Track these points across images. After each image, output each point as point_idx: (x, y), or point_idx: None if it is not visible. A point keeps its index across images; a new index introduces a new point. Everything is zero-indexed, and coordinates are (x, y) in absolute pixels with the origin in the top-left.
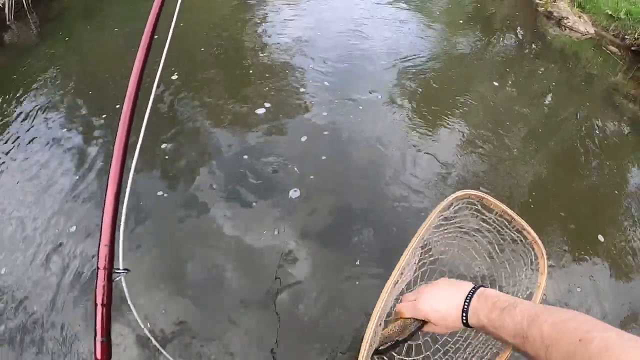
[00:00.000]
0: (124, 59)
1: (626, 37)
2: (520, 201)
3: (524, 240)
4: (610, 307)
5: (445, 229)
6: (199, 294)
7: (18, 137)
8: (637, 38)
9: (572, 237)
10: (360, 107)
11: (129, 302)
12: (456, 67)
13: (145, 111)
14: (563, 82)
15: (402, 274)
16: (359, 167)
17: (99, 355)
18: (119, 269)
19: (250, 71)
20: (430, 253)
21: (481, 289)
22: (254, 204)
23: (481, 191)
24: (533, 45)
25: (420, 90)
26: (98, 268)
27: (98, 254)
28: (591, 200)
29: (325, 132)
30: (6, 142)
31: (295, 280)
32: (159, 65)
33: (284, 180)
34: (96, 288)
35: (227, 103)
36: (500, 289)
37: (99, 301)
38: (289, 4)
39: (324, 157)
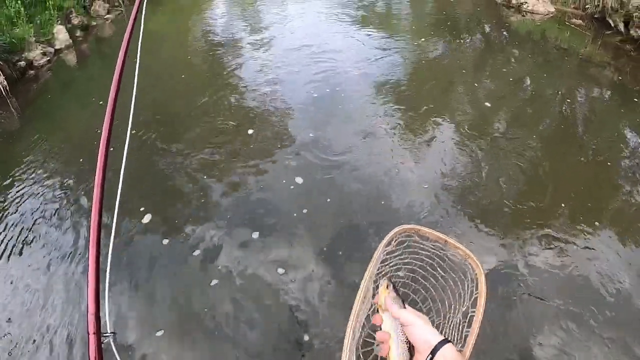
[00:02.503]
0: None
1: (587, 6)
2: (518, 186)
3: (459, 258)
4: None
5: (392, 262)
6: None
7: (7, 223)
8: (597, 5)
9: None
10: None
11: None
12: (431, 70)
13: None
14: (537, 65)
15: (360, 309)
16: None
17: None
18: (106, 333)
19: None
20: (378, 283)
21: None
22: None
23: (416, 224)
24: (500, 36)
25: (399, 97)
26: (88, 334)
27: (87, 322)
28: (589, 172)
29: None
30: None
31: None
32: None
33: None
34: (89, 351)
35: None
36: (448, 304)
37: None
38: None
39: None
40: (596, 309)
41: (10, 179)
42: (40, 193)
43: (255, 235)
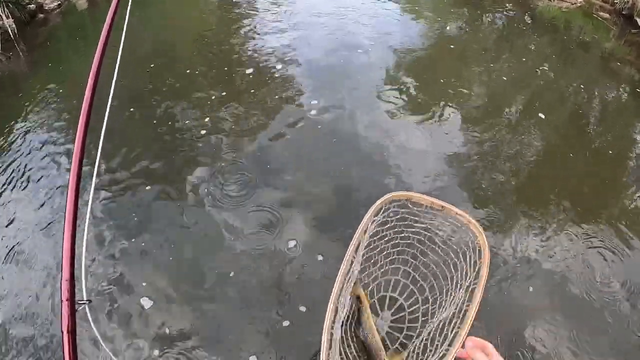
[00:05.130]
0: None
1: (616, 1)
2: (522, 174)
3: (460, 225)
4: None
5: (386, 235)
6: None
7: (12, 167)
8: (627, 1)
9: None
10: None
11: (94, 329)
12: (449, 48)
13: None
14: (557, 53)
15: (344, 282)
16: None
17: None
18: (82, 300)
19: None
20: (374, 259)
21: None
22: None
23: (407, 190)
24: (523, 20)
25: (416, 73)
26: (62, 300)
27: (61, 288)
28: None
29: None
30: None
31: None
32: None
33: None
34: (62, 318)
35: None
36: (450, 278)
37: (64, 329)
38: None
39: None
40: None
41: (13, 122)
42: (37, 137)
43: None
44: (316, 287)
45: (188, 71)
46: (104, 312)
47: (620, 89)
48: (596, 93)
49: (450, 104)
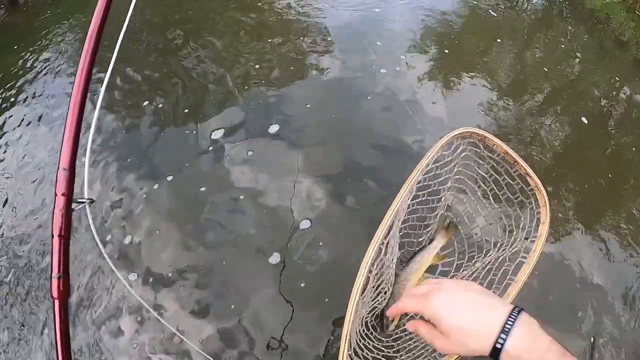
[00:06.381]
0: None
1: None
2: (538, 164)
3: (525, 187)
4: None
5: (444, 171)
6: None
7: (29, 90)
8: None
9: (585, 208)
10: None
11: (95, 234)
12: (479, 25)
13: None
14: (591, 47)
15: (392, 222)
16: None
17: (54, 294)
18: (82, 198)
19: None
20: (424, 198)
21: (526, 314)
22: None
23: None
24: (561, 6)
25: (441, 46)
26: (56, 195)
27: (56, 179)
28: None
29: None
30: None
31: None
32: None
33: None
34: (53, 217)
35: None
36: (494, 242)
37: (55, 232)
38: None
39: None
40: None
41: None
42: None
43: None
44: None
45: None
46: (105, 216)
47: None
48: (622, 92)
49: (472, 80)
